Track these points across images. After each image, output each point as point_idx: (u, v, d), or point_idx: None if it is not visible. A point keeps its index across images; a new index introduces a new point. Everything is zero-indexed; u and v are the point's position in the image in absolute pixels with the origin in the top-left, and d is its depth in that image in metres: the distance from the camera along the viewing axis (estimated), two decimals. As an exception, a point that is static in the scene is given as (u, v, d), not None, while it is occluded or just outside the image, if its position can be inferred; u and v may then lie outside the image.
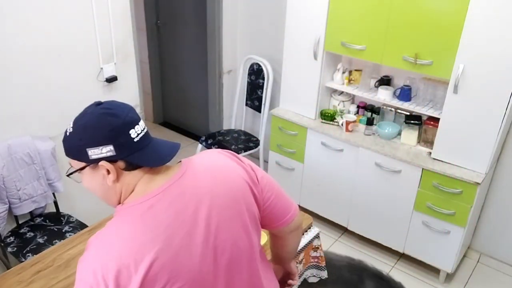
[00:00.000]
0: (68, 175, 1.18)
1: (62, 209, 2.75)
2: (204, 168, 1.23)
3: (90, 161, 1.10)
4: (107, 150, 1.08)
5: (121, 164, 1.10)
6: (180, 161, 1.23)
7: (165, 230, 1.07)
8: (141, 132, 1.13)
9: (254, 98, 3.78)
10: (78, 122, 1.12)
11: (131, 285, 1.02)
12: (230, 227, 1.17)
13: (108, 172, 1.10)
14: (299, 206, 3.40)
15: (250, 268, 1.24)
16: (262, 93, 3.67)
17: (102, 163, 1.09)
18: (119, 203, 1.16)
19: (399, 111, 3.02)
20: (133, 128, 1.11)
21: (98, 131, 1.08)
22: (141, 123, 1.15)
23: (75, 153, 1.12)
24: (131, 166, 1.11)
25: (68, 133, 1.14)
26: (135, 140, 1.10)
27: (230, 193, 1.19)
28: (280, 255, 1.53)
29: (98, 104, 1.14)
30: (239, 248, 1.19)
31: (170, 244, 1.07)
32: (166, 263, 1.05)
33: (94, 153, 1.08)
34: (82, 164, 1.12)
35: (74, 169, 1.15)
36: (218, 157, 1.29)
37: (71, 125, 1.14)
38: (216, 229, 1.14)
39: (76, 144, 1.11)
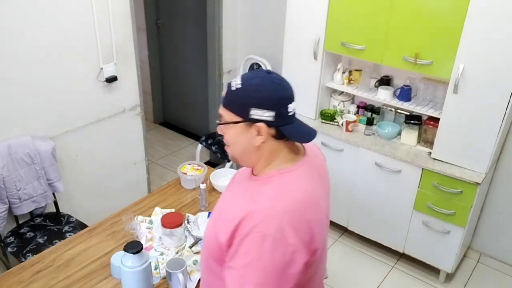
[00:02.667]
0: (219, 124, 1.25)
1: (62, 209, 2.75)
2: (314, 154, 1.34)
3: (248, 119, 1.16)
4: (269, 115, 1.15)
5: (272, 131, 1.18)
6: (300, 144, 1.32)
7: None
8: (293, 110, 1.20)
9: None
10: (249, 81, 1.18)
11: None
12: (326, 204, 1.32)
13: (259, 133, 1.18)
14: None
15: None
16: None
17: (260, 124, 1.16)
18: (254, 165, 1.25)
19: (399, 111, 3.02)
20: (291, 103, 1.19)
21: (270, 96, 1.16)
22: (294, 102, 1.22)
23: (237, 107, 1.18)
24: (279, 136, 1.20)
25: (234, 88, 1.19)
26: (289, 114, 1.19)
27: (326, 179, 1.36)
28: None
29: (269, 72, 1.22)
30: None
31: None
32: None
33: (256, 113, 1.15)
34: (238, 119, 1.18)
35: (227, 121, 1.21)
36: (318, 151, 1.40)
37: (239, 81, 1.19)
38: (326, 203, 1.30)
39: (243, 101, 1.17)
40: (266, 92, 1.16)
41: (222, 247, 1.17)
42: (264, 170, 1.23)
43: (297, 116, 1.23)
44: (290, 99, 1.19)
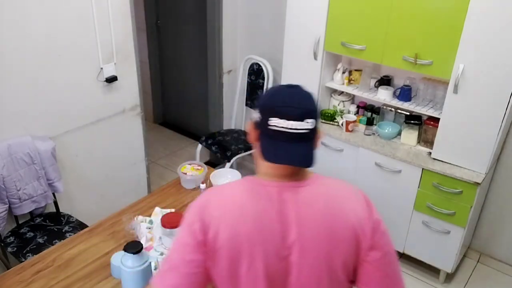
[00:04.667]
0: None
1: (62, 209, 2.75)
2: (323, 200, 1.19)
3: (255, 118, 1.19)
4: (256, 116, 1.17)
5: (257, 133, 1.17)
6: (313, 174, 1.24)
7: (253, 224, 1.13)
8: (283, 128, 1.11)
9: (254, 98, 3.78)
10: None
11: (215, 242, 1.12)
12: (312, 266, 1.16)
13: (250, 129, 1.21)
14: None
15: None
16: (262, 93, 3.67)
17: (251, 122, 1.20)
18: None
19: (399, 111, 3.02)
20: (277, 118, 1.11)
21: (261, 99, 1.18)
22: (297, 124, 1.11)
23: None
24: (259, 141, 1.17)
25: None
26: (269, 126, 1.12)
27: (330, 234, 1.16)
28: None
29: (291, 86, 1.22)
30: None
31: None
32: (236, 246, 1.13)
33: (255, 112, 1.18)
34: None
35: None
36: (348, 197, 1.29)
37: None
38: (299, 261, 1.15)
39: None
40: (263, 96, 1.20)
41: None
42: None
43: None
44: (272, 111, 1.11)
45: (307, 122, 1.13)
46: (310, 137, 1.16)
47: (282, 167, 1.15)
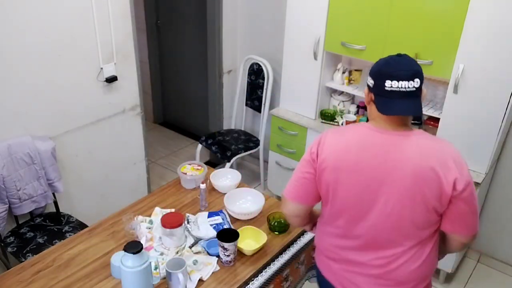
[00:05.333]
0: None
1: (62, 209, 2.75)
2: (419, 148, 1.49)
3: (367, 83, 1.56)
4: (370, 82, 1.52)
5: (371, 95, 1.52)
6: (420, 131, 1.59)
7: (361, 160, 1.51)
8: (397, 88, 1.43)
9: (254, 98, 3.78)
10: None
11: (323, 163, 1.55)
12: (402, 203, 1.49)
13: (365, 94, 1.57)
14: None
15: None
16: (262, 93, 3.67)
17: (366, 87, 1.56)
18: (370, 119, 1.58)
19: (399, 111, 3.02)
20: (391, 80, 1.43)
21: (375, 68, 1.52)
22: (408, 84, 1.43)
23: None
24: (374, 102, 1.52)
25: None
26: (386, 88, 1.44)
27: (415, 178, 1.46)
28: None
29: (400, 55, 1.51)
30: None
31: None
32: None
33: (368, 79, 1.54)
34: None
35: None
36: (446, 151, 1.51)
37: None
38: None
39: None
40: (376, 65, 1.51)
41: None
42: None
43: (395, 95, 1.44)
44: (390, 76, 1.43)
45: (415, 81, 1.44)
46: (417, 94, 1.46)
47: (395, 119, 1.49)
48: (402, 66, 1.44)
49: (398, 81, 1.43)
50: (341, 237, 1.63)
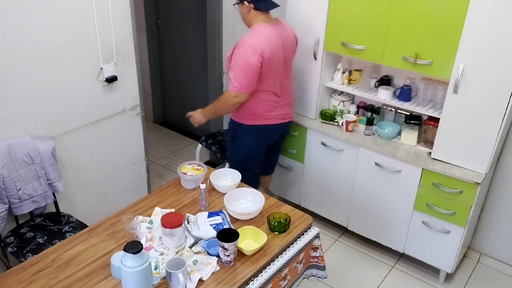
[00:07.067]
0: (234, 5, 2.70)
1: (62, 209, 2.75)
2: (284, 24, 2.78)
3: (242, 1, 2.61)
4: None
5: (252, 5, 2.59)
6: (276, 18, 2.75)
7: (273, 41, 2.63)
8: None
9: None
10: None
11: (264, 56, 2.57)
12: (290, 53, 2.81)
13: (246, 7, 2.61)
14: (299, 206, 3.41)
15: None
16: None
17: (245, 2, 2.60)
18: (249, 25, 2.68)
19: (399, 111, 3.02)
20: None
21: None
22: None
23: None
24: (256, 8, 2.60)
25: None
26: None
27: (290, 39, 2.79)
28: None
29: None
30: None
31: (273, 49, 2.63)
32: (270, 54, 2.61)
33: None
34: (239, 2, 2.63)
35: (236, 2, 2.65)
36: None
37: None
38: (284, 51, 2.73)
39: None
40: None
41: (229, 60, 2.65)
42: (252, 26, 2.65)
43: None
44: None
45: None
46: None
47: (268, 14, 2.66)
48: None
49: None
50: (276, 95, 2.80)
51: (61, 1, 2.45)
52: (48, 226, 2.60)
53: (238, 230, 1.96)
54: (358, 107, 3.18)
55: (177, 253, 1.97)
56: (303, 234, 2.16)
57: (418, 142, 2.91)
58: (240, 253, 1.98)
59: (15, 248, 2.43)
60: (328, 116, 3.16)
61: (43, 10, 2.39)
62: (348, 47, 2.89)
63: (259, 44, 2.52)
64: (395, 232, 3.01)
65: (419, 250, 2.96)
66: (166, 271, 1.77)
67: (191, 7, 4.03)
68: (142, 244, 1.70)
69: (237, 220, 2.19)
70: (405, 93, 2.89)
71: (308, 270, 2.27)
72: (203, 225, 2.13)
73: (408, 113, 2.96)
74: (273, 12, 2.71)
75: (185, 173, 2.43)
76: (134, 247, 1.67)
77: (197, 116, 2.93)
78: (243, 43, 2.55)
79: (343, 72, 3.12)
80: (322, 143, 3.12)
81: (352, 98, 3.24)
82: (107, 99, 2.88)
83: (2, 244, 2.47)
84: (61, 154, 2.71)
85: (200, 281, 1.85)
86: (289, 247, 2.08)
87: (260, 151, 2.95)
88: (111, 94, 2.89)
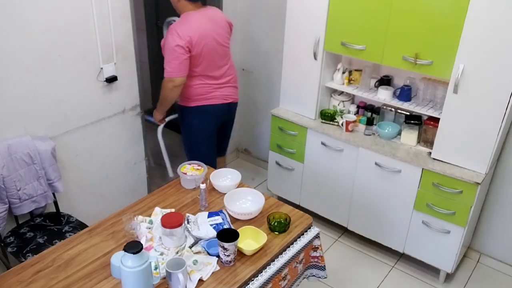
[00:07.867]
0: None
1: (62, 209, 2.75)
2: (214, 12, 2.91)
3: None
4: None
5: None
6: (207, 6, 2.89)
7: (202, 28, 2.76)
8: None
9: (254, 98, 3.78)
10: None
11: (192, 42, 2.71)
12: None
13: None
14: (299, 206, 3.40)
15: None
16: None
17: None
18: (180, 12, 2.81)
19: (399, 111, 3.02)
20: None
21: None
22: None
23: None
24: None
25: None
26: None
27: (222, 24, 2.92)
28: None
29: None
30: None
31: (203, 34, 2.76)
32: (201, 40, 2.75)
33: None
34: None
35: None
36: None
37: None
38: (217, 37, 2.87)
39: None
40: None
41: None
42: (183, 14, 2.78)
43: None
44: None
45: None
46: None
47: (200, 6, 2.81)
48: None
49: None
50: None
51: (61, 1, 2.45)
52: (48, 226, 2.60)
53: (238, 230, 1.96)
54: (358, 107, 3.18)
55: (177, 253, 1.97)
56: (303, 234, 2.16)
57: (418, 142, 2.91)
58: (240, 253, 1.98)
59: (15, 248, 2.43)
60: (328, 116, 3.16)
61: (43, 10, 2.39)
62: (348, 47, 2.89)
63: (185, 31, 2.66)
64: (395, 232, 3.01)
65: (419, 250, 2.96)
66: (166, 271, 1.77)
67: (191, 7, 4.03)
68: (142, 244, 1.70)
69: (237, 220, 2.19)
70: (405, 93, 2.89)
71: (308, 270, 2.28)
72: (203, 225, 2.13)
73: (408, 113, 2.96)
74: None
75: (185, 173, 2.43)
76: (134, 247, 1.67)
77: (154, 114, 3.11)
78: (172, 29, 2.69)
79: (343, 72, 3.12)
80: (322, 143, 3.12)
81: (352, 98, 3.24)
82: (107, 99, 2.88)
83: (2, 244, 2.47)
84: (61, 154, 2.71)
85: (200, 281, 1.85)
86: (289, 247, 2.08)
87: (209, 133, 3.06)
88: (111, 94, 2.89)
